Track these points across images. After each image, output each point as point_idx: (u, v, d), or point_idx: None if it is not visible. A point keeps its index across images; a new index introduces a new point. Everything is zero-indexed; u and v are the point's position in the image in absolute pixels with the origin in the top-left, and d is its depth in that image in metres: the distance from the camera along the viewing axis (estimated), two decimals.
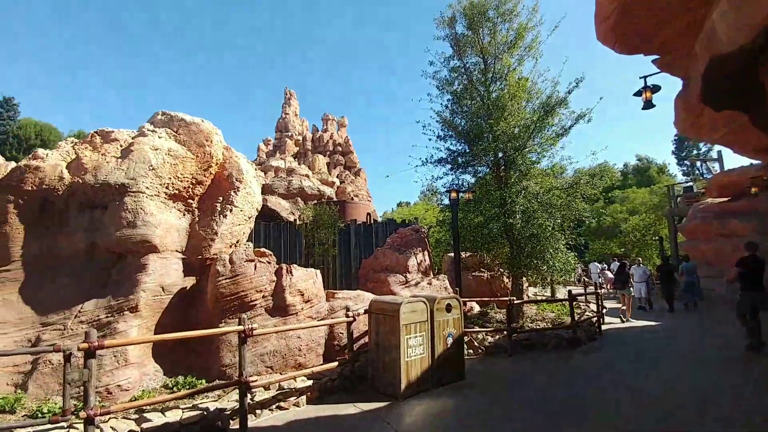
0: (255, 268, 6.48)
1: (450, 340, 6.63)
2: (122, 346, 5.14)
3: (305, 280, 6.88)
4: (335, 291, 7.61)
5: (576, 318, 9.83)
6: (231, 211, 6.81)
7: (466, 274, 12.93)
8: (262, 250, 6.90)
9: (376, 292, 8.38)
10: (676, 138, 56.73)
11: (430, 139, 11.84)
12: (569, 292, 9.98)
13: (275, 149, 41.20)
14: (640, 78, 7.53)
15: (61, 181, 6.22)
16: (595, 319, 11.23)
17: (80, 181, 6.21)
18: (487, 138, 10.69)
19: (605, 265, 24.57)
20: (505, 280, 13.51)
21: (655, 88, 7.33)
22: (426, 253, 10.17)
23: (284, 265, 6.80)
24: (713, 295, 17.34)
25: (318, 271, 7.27)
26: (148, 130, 6.76)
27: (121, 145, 6.60)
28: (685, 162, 55.00)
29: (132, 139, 6.67)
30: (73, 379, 3.69)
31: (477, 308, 12.01)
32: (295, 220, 14.00)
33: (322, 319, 6.99)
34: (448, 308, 6.66)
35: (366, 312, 6.54)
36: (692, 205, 19.98)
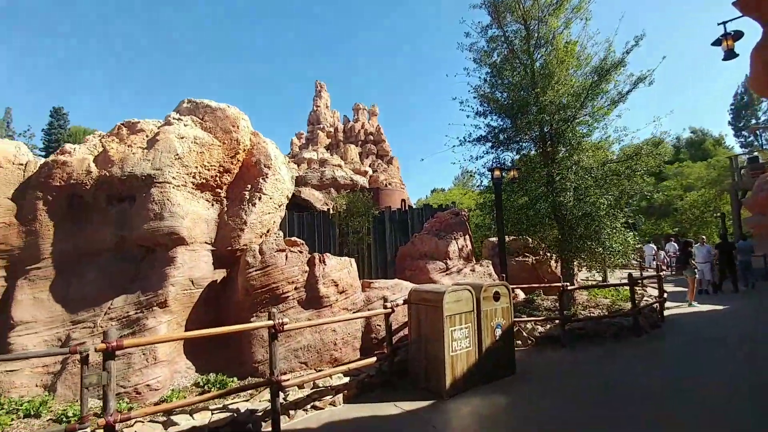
0: (286, 259, 6.12)
1: (498, 332, 6.01)
2: (149, 345, 4.91)
3: (339, 269, 6.45)
4: (371, 280, 7.16)
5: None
6: (260, 199, 6.47)
7: (509, 260, 12.11)
8: (294, 239, 6.54)
9: (415, 281, 7.85)
10: (732, 107, 51.82)
11: (468, 116, 11.08)
12: (629, 275, 9.01)
13: (308, 142, 41.34)
14: (719, 24, 6.42)
15: (88, 175, 6.09)
16: (656, 304, 10.18)
17: (107, 174, 6.04)
18: (531, 110, 9.77)
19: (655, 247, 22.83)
20: (553, 264, 12.60)
21: (737, 35, 6.21)
22: (467, 237, 9.51)
23: (317, 255, 6.41)
24: None
25: (352, 260, 6.83)
26: (173, 118, 6.51)
27: (147, 136, 6.39)
28: (743, 132, 50.22)
29: (158, 128, 6.44)
30: (90, 383, 3.43)
31: (522, 295, 11.27)
32: (328, 209, 13.67)
33: (358, 311, 6.56)
34: (496, 297, 6.03)
35: (405, 302, 6.03)
36: (758, 177, 18.03)
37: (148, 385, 5.14)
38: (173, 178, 6.00)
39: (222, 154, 6.46)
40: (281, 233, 7.91)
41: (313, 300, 6.17)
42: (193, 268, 5.95)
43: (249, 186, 6.54)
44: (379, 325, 6.51)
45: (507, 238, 12.54)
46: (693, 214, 28.80)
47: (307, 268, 6.28)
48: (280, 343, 5.78)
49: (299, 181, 26.18)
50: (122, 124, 6.53)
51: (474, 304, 5.69)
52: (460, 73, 11.56)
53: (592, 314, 9.73)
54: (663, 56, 10.42)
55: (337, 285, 6.33)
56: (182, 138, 6.20)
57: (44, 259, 5.98)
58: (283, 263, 6.06)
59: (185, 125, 6.40)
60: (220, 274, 6.36)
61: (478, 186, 12.69)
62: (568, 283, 8.09)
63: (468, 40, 11.17)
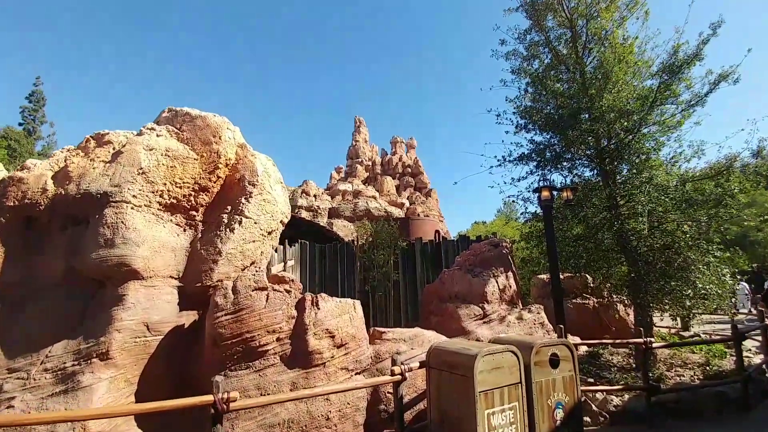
0: (267, 300, 4.70)
1: (560, 414, 4.13)
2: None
3: (337, 315, 4.92)
4: (384, 329, 5.54)
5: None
6: (240, 223, 5.18)
7: (564, 303, 10.04)
8: (281, 274, 5.13)
9: (442, 331, 6.12)
10: None
11: (507, 132, 9.48)
12: (734, 326, 6.74)
13: (347, 176, 41.31)
14: None
15: (44, 193, 5.11)
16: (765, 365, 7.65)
17: (63, 192, 5.04)
18: (584, 120, 8.07)
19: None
20: (621, 309, 10.32)
21: None
22: (511, 275, 7.68)
23: (309, 296, 4.93)
24: None
25: (357, 303, 5.29)
26: (147, 128, 5.51)
27: (114, 148, 5.39)
28: None
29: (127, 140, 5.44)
30: None
31: (583, 348, 9.11)
32: (352, 240, 12.34)
33: (363, 371, 4.94)
34: (554, 361, 4.20)
35: (422, 365, 4.34)
36: None
37: None
38: (133, 196, 4.87)
39: (198, 169, 5.31)
40: (281, 267, 6.58)
41: (300, 356, 4.64)
42: (150, 309, 4.66)
43: (229, 208, 5.29)
44: (392, 393, 4.82)
45: (560, 276, 10.49)
46: None
47: (294, 313, 4.81)
48: (251, 417, 4.25)
49: (332, 213, 25.37)
50: (91, 137, 5.61)
51: (521, 373, 3.91)
52: (495, 85, 9.83)
53: (681, 377, 7.44)
54: (748, 48, 8.41)
55: (333, 336, 4.77)
56: (151, 150, 5.13)
57: None
58: (263, 306, 4.63)
59: (158, 136, 5.36)
60: (188, 318, 5.03)
61: (522, 214, 10.86)
62: (652, 339, 6.00)
63: (504, 48, 9.79)
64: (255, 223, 5.34)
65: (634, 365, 7.86)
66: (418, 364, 4.31)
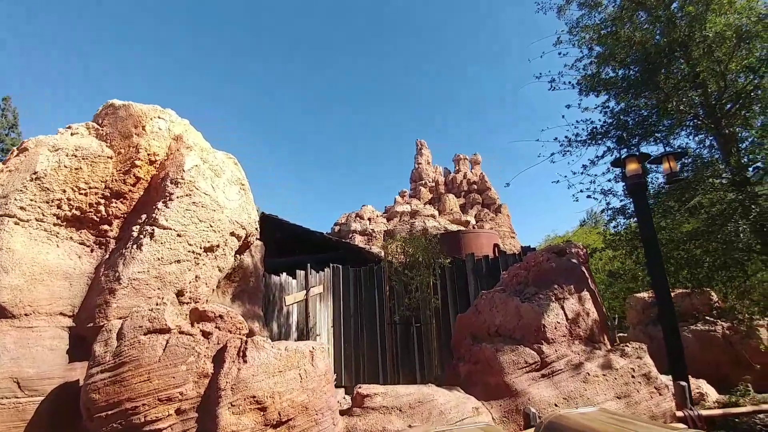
0: (164, 349, 3.05)
1: None
2: None
3: (276, 372, 3.09)
4: (371, 390, 3.57)
5: None
6: (152, 236, 3.67)
7: (679, 331, 7.08)
8: (205, 308, 3.47)
9: (474, 389, 3.93)
10: None
11: (568, 107, 7.10)
12: None
13: (411, 199, 40.39)
14: None
15: None
16: None
17: None
18: (678, 63, 5.53)
19: None
20: (765, 336, 7.20)
21: None
22: (587, 296, 5.14)
23: (234, 340, 3.20)
24: None
25: (318, 349, 3.40)
26: (64, 129, 4.41)
27: (27, 155, 4.33)
28: None
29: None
30: None
31: (713, 395, 6.36)
32: (386, 257, 10.50)
33: None
34: None
35: None
36: None
37: None
38: (21, 208, 3.65)
39: (111, 169, 4.00)
40: (299, 296, 5.01)
41: None
42: (22, 359, 3.28)
43: (143, 217, 3.85)
44: None
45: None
46: None
47: (210, 369, 3.09)
48: None
49: (387, 236, 23.76)
50: (17, 147, 4.65)
51: None
52: (548, 49, 7.53)
53: None
54: None
55: (264, 409, 2.94)
56: (55, 150, 3.95)
57: None
58: (155, 359, 2.99)
59: (73, 134, 4.20)
60: (84, 372, 3.57)
61: (603, 211, 8.20)
62: None
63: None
64: (178, 235, 3.81)
65: None
66: None
